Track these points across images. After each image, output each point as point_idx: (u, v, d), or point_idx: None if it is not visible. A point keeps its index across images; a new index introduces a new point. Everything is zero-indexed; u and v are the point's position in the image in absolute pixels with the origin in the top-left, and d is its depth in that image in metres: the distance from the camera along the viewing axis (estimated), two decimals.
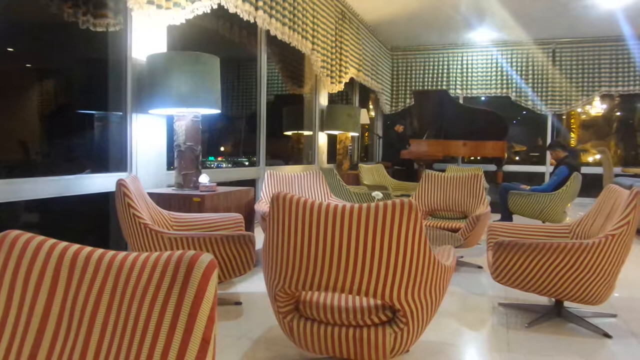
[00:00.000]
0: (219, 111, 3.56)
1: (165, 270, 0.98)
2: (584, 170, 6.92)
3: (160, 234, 2.61)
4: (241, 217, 3.30)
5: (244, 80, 7.58)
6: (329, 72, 6.47)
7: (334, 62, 6.61)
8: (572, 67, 9.10)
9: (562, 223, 5.33)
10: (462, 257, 4.40)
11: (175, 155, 3.52)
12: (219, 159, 7.68)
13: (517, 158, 11.18)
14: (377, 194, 3.99)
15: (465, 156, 9.81)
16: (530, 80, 9.28)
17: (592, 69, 8.98)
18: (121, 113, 3.55)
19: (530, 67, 9.27)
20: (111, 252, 1.10)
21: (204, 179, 3.47)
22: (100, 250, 1.10)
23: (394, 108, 10.17)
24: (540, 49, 9.19)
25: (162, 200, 3.29)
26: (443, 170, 6.58)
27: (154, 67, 3.29)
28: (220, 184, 3.86)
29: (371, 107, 10.68)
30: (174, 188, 3.56)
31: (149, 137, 3.63)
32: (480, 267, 4.12)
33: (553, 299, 3.06)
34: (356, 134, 7.81)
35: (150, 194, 3.22)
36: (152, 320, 0.95)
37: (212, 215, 3.23)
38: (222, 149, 8.06)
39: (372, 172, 7.33)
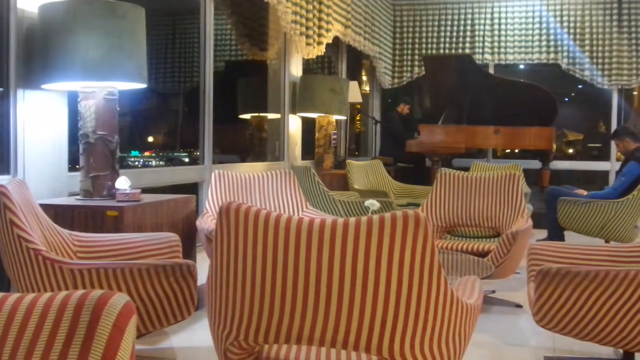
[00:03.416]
0: (144, 85, 3.53)
1: (59, 318, 0.96)
2: None
3: (58, 264, 2.58)
4: (177, 238, 3.28)
5: (181, 41, 7.53)
6: (303, 30, 6.46)
7: (310, 15, 6.61)
8: None
9: (633, 243, 5.41)
10: (493, 291, 4.44)
11: (80, 150, 3.48)
12: (147, 154, 7.64)
13: (570, 151, 11.35)
14: (372, 204, 4.00)
15: (497, 148, 9.91)
16: (587, 43, 9.42)
17: None
18: (0, 89, 3.50)
19: (587, 25, 9.41)
20: None
21: (123, 183, 3.45)
22: None
23: (396, 81, 10.22)
24: (602, 0, 9.34)
25: (61, 215, 3.25)
26: (467, 169, 6.63)
27: (50, 22, 3.25)
28: (146, 190, 3.83)
29: (365, 79, 10.73)
30: (78, 197, 3.52)
31: (43, 123, 3.59)
32: (519, 305, 4.15)
33: (620, 351, 3.10)
34: (343, 118, 7.82)
35: (44, 206, 3.18)
36: None
37: (135, 237, 3.21)
38: (150, 139, 8.01)
39: (366, 171, 7.36)
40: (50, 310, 0.98)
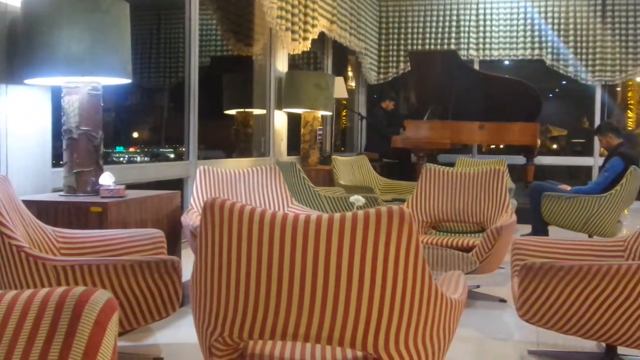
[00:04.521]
0: (129, 80, 3.50)
1: (40, 316, 0.95)
2: None
3: (41, 260, 2.56)
4: (162, 234, 3.26)
5: (166, 35, 7.50)
6: (289, 25, 6.45)
7: (296, 11, 6.60)
8: (629, 21, 9.33)
9: (616, 237, 5.46)
10: (477, 286, 4.46)
11: (64, 146, 3.46)
12: (132, 149, 7.60)
13: (554, 147, 11.43)
14: (358, 199, 4.00)
15: (482, 144, 9.96)
16: (571, 39, 9.47)
17: None
18: None
19: (571, 21, 9.47)
20: None
21: (107, 179, 3.43)
22: None
23: (382, 76, 10.24)
24: None
25: (44, 211, 3.23)
26: (451, 165, 6.65)
27: (33, 16, 3.22)
28: (130, 186, 3.82)
29: (350, 75, 10.73)
30: (62, 193, 3.50)
31: (26, 118, 3.56)
32: (503, 300, 4.18)
33: (603, 344, 3.13)
34: (329, 114, 7.82)
35: (27, 202, 3.15)
36: None
37: (119, 233, 3.19)
38: (135, 135, 7.97)
39: (352, 167, 7.37)
40: (31, 308, 0.97)
